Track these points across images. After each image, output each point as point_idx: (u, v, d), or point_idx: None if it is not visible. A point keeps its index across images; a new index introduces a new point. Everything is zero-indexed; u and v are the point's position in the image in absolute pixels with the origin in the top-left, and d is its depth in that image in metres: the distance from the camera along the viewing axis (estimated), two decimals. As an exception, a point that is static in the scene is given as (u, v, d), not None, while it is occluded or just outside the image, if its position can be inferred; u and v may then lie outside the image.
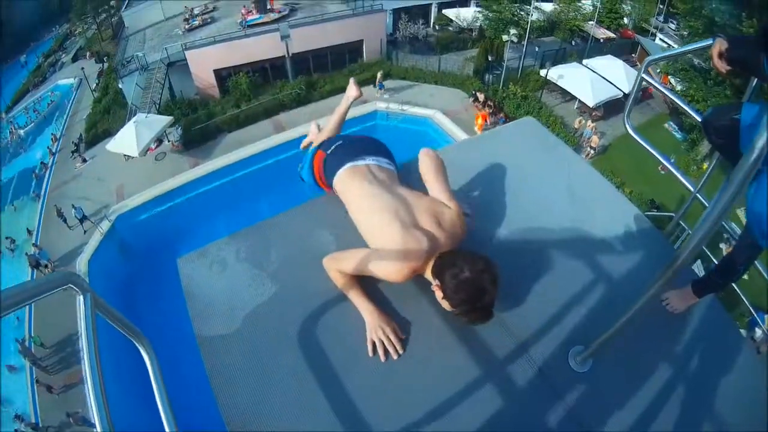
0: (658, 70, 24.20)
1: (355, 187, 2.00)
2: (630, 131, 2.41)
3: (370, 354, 1.75)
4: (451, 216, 1.87)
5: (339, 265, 1.86)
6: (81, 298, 1.04)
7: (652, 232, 2.38)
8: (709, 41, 1.82)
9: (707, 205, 2.23)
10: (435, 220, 1.83)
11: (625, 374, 1.83)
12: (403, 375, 1.72)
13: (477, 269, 1.61)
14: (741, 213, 14.39)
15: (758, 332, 10.16)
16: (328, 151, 2.20)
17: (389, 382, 1.70)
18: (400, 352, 1.76)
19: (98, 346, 1.04)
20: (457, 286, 1.62)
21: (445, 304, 1.70)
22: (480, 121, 18.64)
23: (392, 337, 1.77)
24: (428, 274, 1.76)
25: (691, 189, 2.43)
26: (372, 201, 1.89)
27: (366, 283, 1.89)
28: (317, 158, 2.24)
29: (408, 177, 2.18)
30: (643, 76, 2.19)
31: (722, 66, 1.77)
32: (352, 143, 2.22)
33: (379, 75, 21.36)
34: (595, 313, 1.95)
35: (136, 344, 1.29)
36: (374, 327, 1.78)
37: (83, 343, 1.04)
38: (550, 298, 1.99)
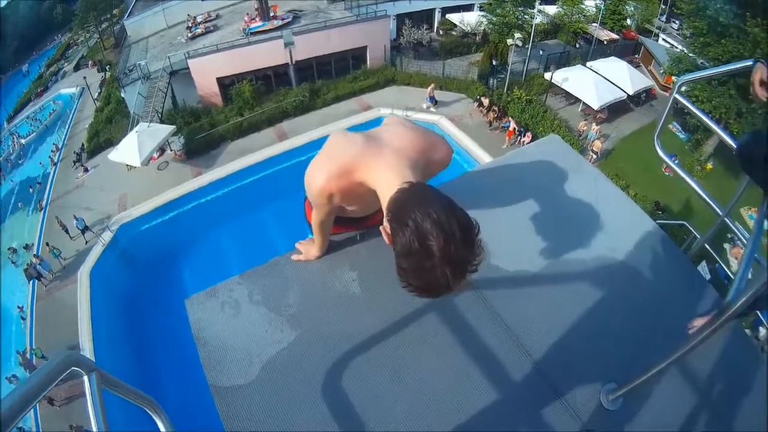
0: (662, 71, 24.09)
1: None
2: (660, 153, 2.30)
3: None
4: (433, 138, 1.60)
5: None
6: (86, 378, 0.94)
7: (680, 257, 2.29)
8: (749, 62, 1.69)
9: (734, 228, 2.13)
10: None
11: (656, 410, 1.74)
12: (429, 422, 1.61)
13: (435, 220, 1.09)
14: (744, 212, 14.34)
15: (762, 331, 10.11)
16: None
17: (417, 428, 1.60)
18: None
19: (107, 426, 0.94)
20: (403, 246, 1.12)
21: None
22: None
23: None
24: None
25: (719, 212, 2.31)
26: None
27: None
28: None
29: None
30: (677, 96, 2.07)
31: (764, 94, 1.66)
32: None
33: (429, 89, 21.00)
34: (627, 347, 1.86)
35: (149, 412, 1.19)
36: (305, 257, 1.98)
37: (92, 424, 0.94)
38: (579, 330, 1.89)
